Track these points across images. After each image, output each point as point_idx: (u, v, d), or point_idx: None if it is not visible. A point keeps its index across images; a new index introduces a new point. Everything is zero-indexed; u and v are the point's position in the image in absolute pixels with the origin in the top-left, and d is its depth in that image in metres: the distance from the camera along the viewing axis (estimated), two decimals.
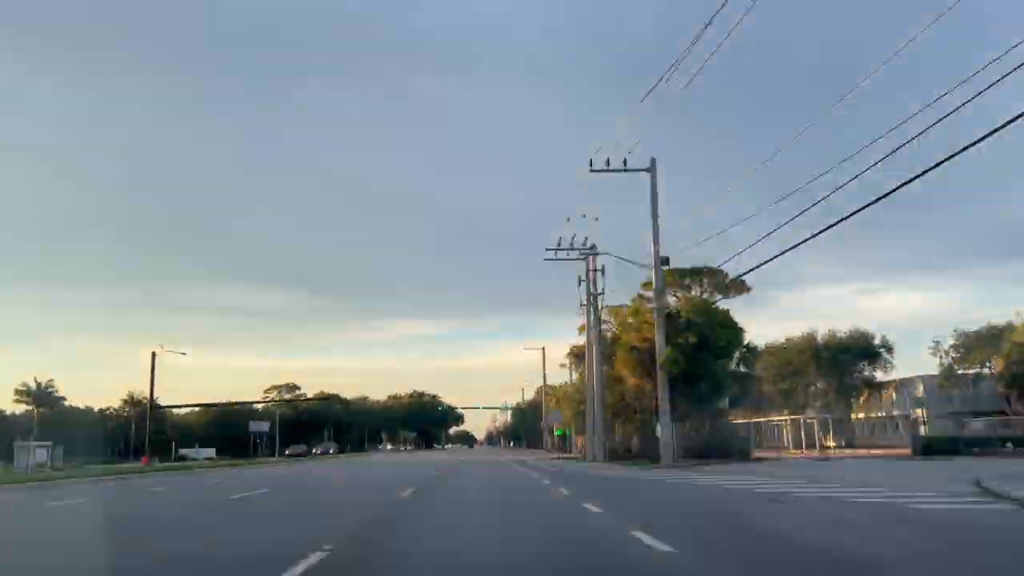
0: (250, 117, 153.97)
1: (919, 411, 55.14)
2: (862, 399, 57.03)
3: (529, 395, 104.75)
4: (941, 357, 51.44)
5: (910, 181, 14.29)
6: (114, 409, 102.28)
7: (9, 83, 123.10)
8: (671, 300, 35.89)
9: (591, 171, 30.37)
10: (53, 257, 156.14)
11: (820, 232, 18.59)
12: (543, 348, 74.22)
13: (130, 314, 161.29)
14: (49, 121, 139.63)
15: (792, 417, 53.65)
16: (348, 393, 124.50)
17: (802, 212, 18.92)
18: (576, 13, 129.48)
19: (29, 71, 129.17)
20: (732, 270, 31.85)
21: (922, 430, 49.35)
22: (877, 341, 53.21)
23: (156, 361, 54.10)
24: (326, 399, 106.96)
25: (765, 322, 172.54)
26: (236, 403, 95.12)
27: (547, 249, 38.03)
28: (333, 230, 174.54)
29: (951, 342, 51.45)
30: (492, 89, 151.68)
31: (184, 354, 58.41)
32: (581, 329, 43.02)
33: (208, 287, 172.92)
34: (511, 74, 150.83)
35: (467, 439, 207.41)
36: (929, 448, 34.78)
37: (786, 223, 20.34)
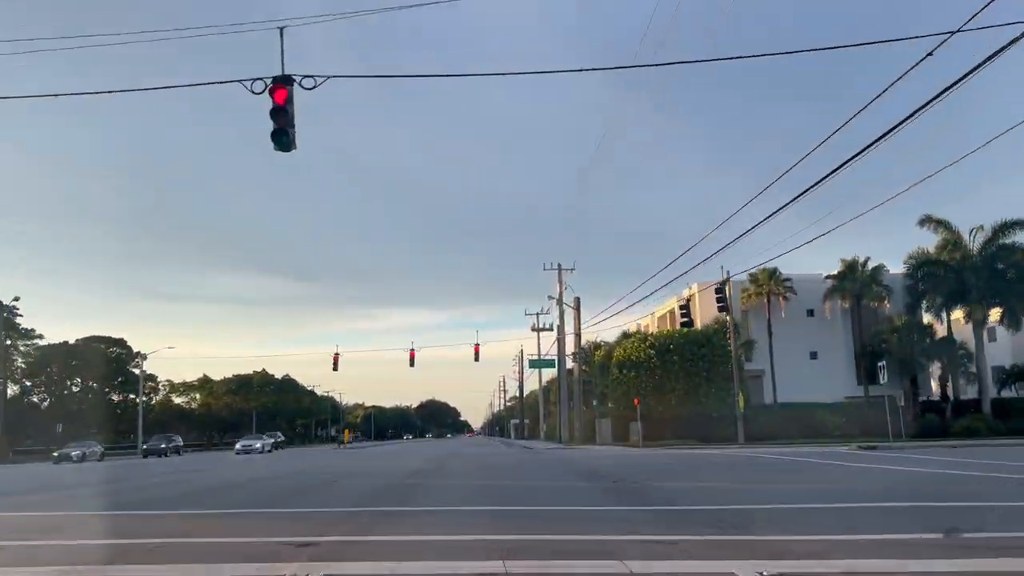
0: (245, 102, 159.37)
1: None
2: None
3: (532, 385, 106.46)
4: None
5: None
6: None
7: (4, 70, 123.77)
8: None
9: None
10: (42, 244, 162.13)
11: None
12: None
13: (123, 302, 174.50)
14: (46, 108, 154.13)
15: None
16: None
17: None
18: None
19: (24, 58, 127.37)
20: None
21: None
22: None
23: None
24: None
25: None
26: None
27: None
28: (330, 217, 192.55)
29: None
30: (492, 76, 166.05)
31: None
32: None
33: (200, 275, 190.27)
34: (510, 61, 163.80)
35: (460, 427, 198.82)
36: None
37: None
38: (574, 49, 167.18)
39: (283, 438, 70.83)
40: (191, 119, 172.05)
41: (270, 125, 13.05)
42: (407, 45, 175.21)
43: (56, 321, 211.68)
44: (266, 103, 13.05)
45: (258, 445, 61.12)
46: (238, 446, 62.80)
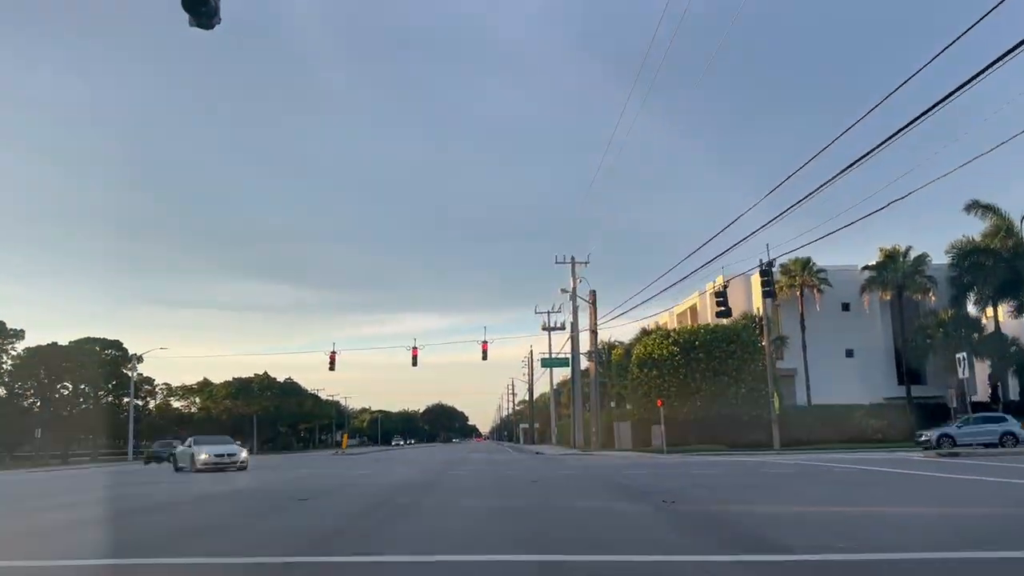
0: (254, 107, 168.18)
1: None
2: None
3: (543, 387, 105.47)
4: None
5: None
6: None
7: (6, 71, 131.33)
8: None
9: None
10: (42, 248, 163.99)
11: None
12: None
13: (126, 309, 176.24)
14: (46, 110, 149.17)
15: None
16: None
17: None
18: (582, 3, 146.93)
19: (27, 59, 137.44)
20: None
21: None
22: None
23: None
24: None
25: None
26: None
27: None
28: (337, 223, 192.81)
29: None
30: (497, 79, 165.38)
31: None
32: None
33: (207, 282, 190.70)
34: (517, 64, 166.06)
35: (468, 432, 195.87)
36: None
37: None
38: (584, 46, 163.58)
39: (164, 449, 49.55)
40: (196, 123, 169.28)
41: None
42: (412, 46, 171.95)
43: (55, 329, 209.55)
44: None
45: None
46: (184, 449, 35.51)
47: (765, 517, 11.02)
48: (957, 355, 28.39)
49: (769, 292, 34.04)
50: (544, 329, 65.97)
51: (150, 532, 10.89)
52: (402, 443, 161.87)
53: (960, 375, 27.94)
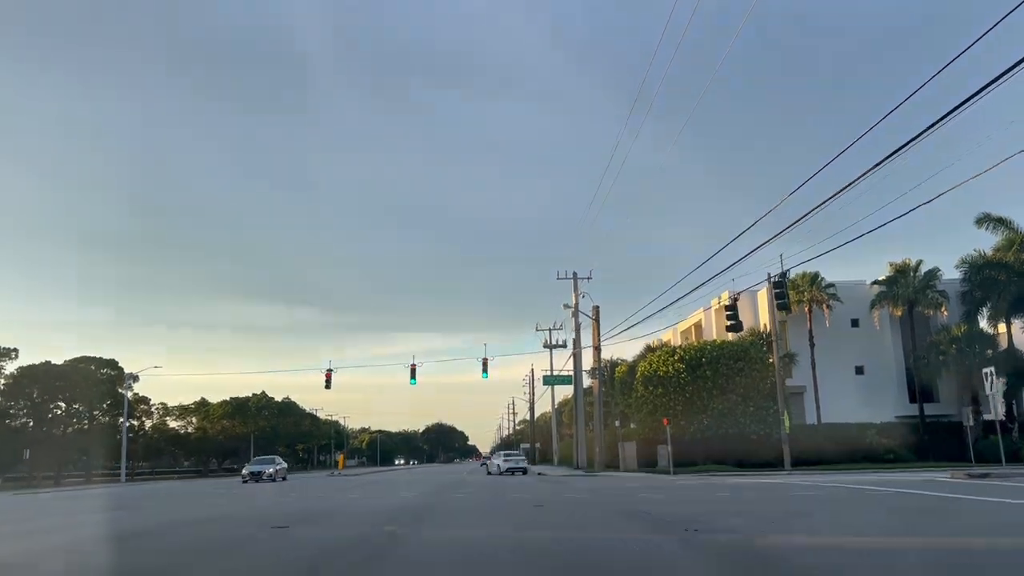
0: (256, 128, 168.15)
1: None
2: None
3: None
4: None
5: None
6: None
7: (6, 86, 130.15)
8: None
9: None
10: (38, 266, 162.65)
11: None
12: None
13: (127, 327, 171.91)
14: (46, 126, 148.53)
15: None
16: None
17: None
18: (583, 24, 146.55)
19: (28, 78, 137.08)
20: None
21: None
22: None
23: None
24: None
25: None
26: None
27: None
28: (337, 241, 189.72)
29: None
30: (501, 100, 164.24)
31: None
32: None
33: (208, 303, 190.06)
34: (520, 85, 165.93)
35: (468, 452, 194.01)
36: None
37: None
38: (584, 66, 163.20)
39: None
40: (198, 143, 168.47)
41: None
42: (416, 67, 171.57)
43: (51, 349, 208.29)
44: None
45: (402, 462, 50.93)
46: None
47: (822, 553, 9.25)
48: (984, 370, 26.67)
49: (783, 304, 32.33)
50: (545, 347, 64.08)
51: (115, 564, 9.15)
52: (402, 462, 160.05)
53: (987, 391, 26.21)
